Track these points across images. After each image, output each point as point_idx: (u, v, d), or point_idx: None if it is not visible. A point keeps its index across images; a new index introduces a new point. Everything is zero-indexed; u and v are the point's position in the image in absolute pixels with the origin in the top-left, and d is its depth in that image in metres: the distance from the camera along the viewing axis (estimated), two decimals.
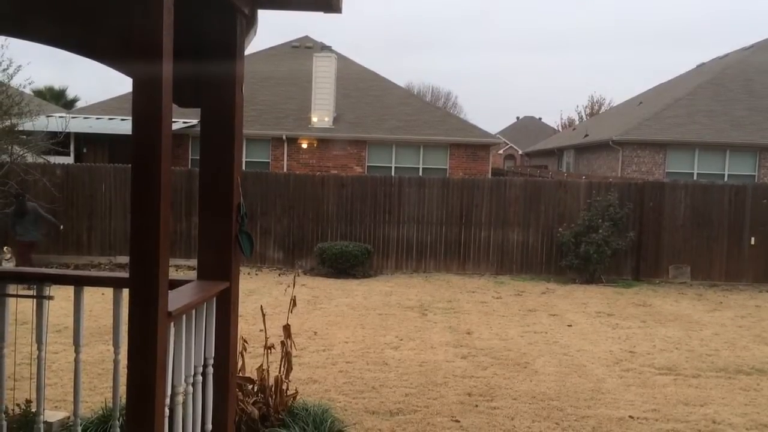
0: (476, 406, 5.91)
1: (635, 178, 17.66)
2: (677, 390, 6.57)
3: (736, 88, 24.46)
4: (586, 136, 28.11)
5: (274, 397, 4.82)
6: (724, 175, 21.32)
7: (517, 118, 75.65)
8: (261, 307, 5.64)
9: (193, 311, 3.14)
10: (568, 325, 9.46)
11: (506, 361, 7.43)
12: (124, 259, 13.42)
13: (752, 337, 9.05)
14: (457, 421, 5.53)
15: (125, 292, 2.80)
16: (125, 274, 3.09)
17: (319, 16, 4.01)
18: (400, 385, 6.42)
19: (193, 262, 12.38)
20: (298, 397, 5.16)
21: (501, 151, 56.51)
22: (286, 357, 4.99)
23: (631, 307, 10.99)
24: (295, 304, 5.22)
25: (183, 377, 3.07)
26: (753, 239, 13.49)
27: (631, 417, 5.75)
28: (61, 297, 3.90)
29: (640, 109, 27.73)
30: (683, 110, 23.21)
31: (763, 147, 21.38)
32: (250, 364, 5.19)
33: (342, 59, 25.03)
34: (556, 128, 61.07)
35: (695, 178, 20.73)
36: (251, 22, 3.66)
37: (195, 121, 18.95)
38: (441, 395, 6.18)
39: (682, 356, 7.90)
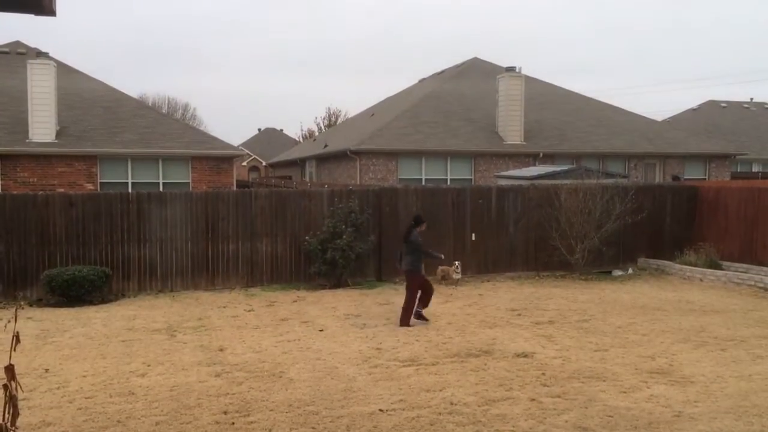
0: (233, 423, 5.79)
1: (373, 185, 18.80)
2: (419, 379, 7.12)
3: (452, 101, 27.38)
4: (326, 146, 29.24)
5: None
6: (447, 179, 23.75)
7: (259, 129, 76.09)
8: None
9: None
10: (320, 330, 9.72)
11: (261, 374, 7.39)
12: None
13: (478, 323, 10.18)
14: None
15: None
16: None
17: (31, 19, 3.60)
18: (150, 414, 6.03)
19: None
20: None
21: (245, 163, 56.28)
22: (11, 401, 4.36)
23: (376, 307, 11.67)
24: (18, 341, 4.59)
25: None
26: (474, 235, 15.21)
27: (381, 410, 6.09)
28: None
29: (372, 121, 29.66)
30: (409, 121, 25.35)
31: (476, 153, 24.24)
32: None
33: (63, 67, 22.85)
34: (297, 139, 62.59)
35: (423, 182, 22.79)
36: None
37: None
38: (195, 418, 5.93)
39: (422, 347, 8.59)
